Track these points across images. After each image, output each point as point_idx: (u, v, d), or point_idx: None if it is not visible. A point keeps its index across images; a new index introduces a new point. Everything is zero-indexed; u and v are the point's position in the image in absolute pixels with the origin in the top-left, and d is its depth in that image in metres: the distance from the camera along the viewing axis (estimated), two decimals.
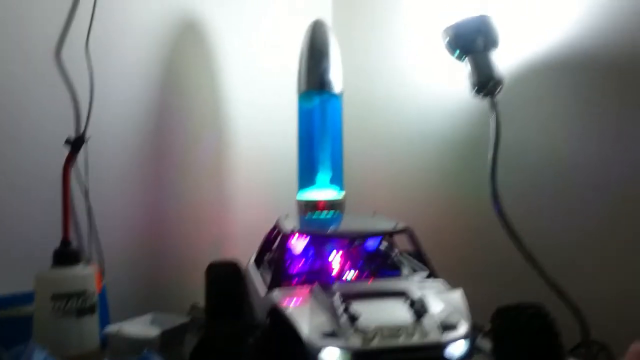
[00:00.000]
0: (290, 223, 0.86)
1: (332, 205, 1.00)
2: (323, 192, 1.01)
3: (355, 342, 0.61)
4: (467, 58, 0.92)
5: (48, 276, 0.82)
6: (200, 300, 0.93)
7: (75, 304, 0.80)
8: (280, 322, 0.66)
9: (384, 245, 0.89)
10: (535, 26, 0.99)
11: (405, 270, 0.82)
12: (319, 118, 1.02)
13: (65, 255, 0.83)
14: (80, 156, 0.95)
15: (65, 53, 0.96)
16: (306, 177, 1.03)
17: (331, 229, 0.88)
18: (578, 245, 0.95)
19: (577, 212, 0.95)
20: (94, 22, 0.98)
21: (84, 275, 0.83)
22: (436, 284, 0.76)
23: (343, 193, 1.03)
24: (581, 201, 0.94)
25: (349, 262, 0.83)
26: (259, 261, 0.91)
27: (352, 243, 0.83)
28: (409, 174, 1.21)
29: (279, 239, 0.88)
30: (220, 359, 0.63)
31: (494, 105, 0.92)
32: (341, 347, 0.61)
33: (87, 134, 0.95)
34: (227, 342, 0.64)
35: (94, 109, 0.98)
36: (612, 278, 0.91)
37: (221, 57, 1.20)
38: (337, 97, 1.03)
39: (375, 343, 0.62)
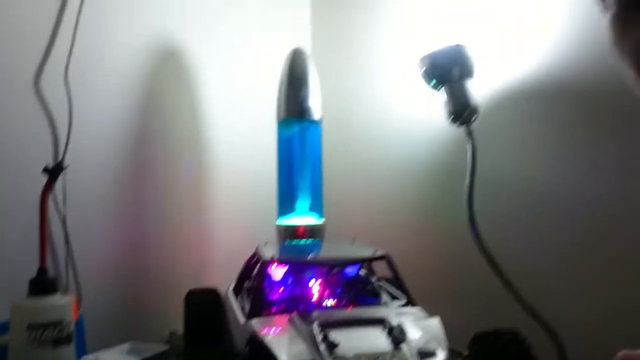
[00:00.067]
0: (269, 251, 0.87)
1: (312, 230, 1.01)
2: (303, 219, 1.02)
3: None
4: (443, 87, 0.94)
5: (24, 305, 0.80)
6: (180, 327, 0.92)
7: (51, 333, 0.79)
8: (260, 350, 0.66)
9: (363, 272, 0.90)
10: (510, 55, 1.01)
11: (384, 297, 0.83)
12: (299, 145, 1.03)
13: (42, 284, 0.82)
14: (58, 184, 0.95)
15: (44, 81, 0.96)
16: (286, 203, 1.04)
17: (310, 257, 0.88)
18: (554, 269, 0.96)
19: (552, 236, 0.97)
20: (74, 50, 0.99)
21: (61, 304, 0.82)
22: (414, 311, 0.76)
23: (323, 220, 1.03)
24: (555, 226, 0.96)
25: (328, 290, 0.83)
26: (238, 288, 0.91)
27: (331, 270, 0.84)
28: (388, 200, 1.22)
29: (258, 266, 0.89)
30: None
31: (470, 133, 0.93)
32: None
33: (65, 162, 0.94)
34: None
35: (72, 137, 0.98)
36: (589, 302, 0.92)
37: (201, 84, 1.21)
38: (317, 125, 1.04)
39: None
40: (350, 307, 0.78)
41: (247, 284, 0.92)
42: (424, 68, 0.96)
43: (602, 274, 0.91)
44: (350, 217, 1.26)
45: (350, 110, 1.31)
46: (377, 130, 1.25)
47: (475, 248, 0.92)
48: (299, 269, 0.85)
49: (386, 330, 0.68)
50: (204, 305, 0.88)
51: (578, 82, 0.93)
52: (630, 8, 0.38)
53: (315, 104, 1.03)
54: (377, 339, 0.67)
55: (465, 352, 0.70)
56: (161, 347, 0.89)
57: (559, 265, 0.96)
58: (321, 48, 1.37)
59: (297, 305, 0.79)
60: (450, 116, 0.94)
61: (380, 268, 0.88)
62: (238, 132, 1.27)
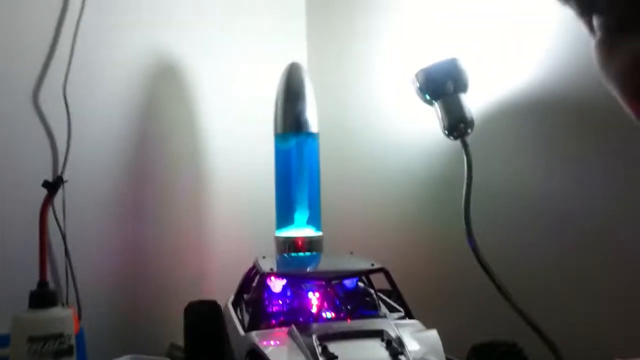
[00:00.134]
0: (267, 264, 0.87)
1: (310, 243, 1.02)
2: (301, 231, 1.03)
3: None
4: (437, 102, 0.95)
5: (25, 318, 0.81)
6: (180, 339, 0.93)
7: (52, 346, 0.80)
8: None
9: (361, 284, 0.90)
10: (504, 68, 1.02)
11: (382, 310, 0.83)
12: (296, 159, 1.04)
13: (42, 297, 0.83)
14: (58, 197, 0.96)
15: (43, 95, 0.97)
16: (284, 216, 1.05)
17: (307, 270, 0.89)
18: (551, 280, 0.97)
19: (549, 247, 0.97)
20: (72, 64, 1.00)
21: (62, 317, 0.82)
22: (412, 323, 0.77)
23: (320, 233, 1.04)
24: (552, 237, 0.97)
25: (326, 302, 0.84)
26: (238, 300, 0.92)
27: (329, 283, 0.84)
28: (385, 213, 1.23)
29: (257, 279, 0.89)
30: None
31: (465, 146, 0.94)
32: None
33: (65, 176, 0.95)
34: None
35: (71, 151, 0.99)
36: (587, 312, 0.93)
37: (200, 98, 1.22)
38: (314, 138, 1.05)
39: None
40: (349, 320, 0.79)
41: (246, 297, 0.93)
42: (418, 83, 0.96)
43: (600, 284, 0.92)
44: (348, 230, 1.27)
45: (347, 123, 1.32)
46: (373, 143, 1.26)
47: (472, 259, 0.93)
48: (297, 281, 0.86)
49: (384, 342, 0.69)
50: (204, 317, 0.88)
51: (572, 95, 0.94)
52: (614, 32, 0.39)
53: (312, 117, 1.04)
54: (375, 351, 0.68)
55: None
56: (161, 359, 0.89)
57: (557, 275, 0.97)
58: (317, 62, 1.38)
59: (296, 317, 0.80)
60: (445, 130, 0.95)
61: (379, 280, 0.89)
62: (236, 145, 1.28)
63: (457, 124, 0.93)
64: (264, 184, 1.17)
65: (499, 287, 0.92)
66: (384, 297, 0.88)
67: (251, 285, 0.93)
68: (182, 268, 1.16)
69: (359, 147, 1.29)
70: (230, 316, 0.87)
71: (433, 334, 0.73)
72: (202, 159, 1.22)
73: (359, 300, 0.85)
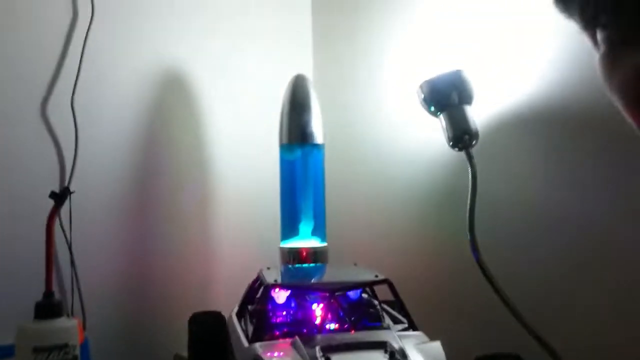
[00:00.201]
0: (272, 275, 0.88)
1: (314, 254, 1.02)
2: (306, 242, 1.03)
3: None
4: (442, 113, 0.95)
5: (30, 328, 0.81)
6: (184, 350, 0.93)
7: (57, 356, 0.80)
8: None
9: (365, 296, 0.90)
10: (508, 80, 1.02)
11: (386, 321, 0.83)
12: (301, 170, 1.05)
13: (48, 307, 0.83)
14: (65, 208, 0.96)
15: (51, 107, 0.98)
16: (289, 227, 1.05)
17: (311, 282, 0.89)
18: (556, 292, 0.97)
19: (554, 259, 0.97)
20: (80, 76, 1.01)
21: (67, 327, 0.83)
22: (416, 335, 0.77)
23: (325, 244, 1.04)
24: (557, 248, 0.97)
25: (330, 314, 0.84)
26: (242, 311, 0.92)
27: (333, 294, 0.84)
28: (390, 224, 1.23)
29: (261, 290, 0.89)
30: None
31: (470, 158, 0.94)
32: None
33: (72, 187, 0.96)
34: None
35: (78, 162, 1.00)
36: (592, 324, 0.93)
37: (207, 109, 1.22)
38: (319, 149, 1.06)
39: None
40: (353, 331, 0.79)
41: (250, 308, 0.93)
42: (423, 94, 0.97)
43: (602, 293, 0.92)
44: (353, 241, 1.27)
45: (352, 134, 1.32)
46: (379, 154, 1.26)
47: (476, 271, 0.93)
48: (301, 293, 0.86)
49: (388, 354, 0.69)
50: (208, 328, 0.88)
51: (575, 106, 0.94)
52: (617, 46, 0.40)
53: (318, 129, 1.05)
54: None
55: None
56: None
57: (561, 287, 0.96)
58: (323, 74, 1.39)
59: (300, 328, 0.80)
60: (449, 141, 0.95)
61: (383, 291, 0.88)
62: (242, 156, 1.28)
63: (461, 136, 0.93)
64: (271, 195, 1.17)
65: (504, 300, 0.91)
66: (388, 309, 0.88)
67: (255, 296, 0.93)
68: (187, 279, 1.16)
69: (364, 158, 1.30)
70: (234, 327, 0.87)
71: (436, 345, 0.73)
72: (208, 169, 1.22)
73: (362, 311, 0.85)
